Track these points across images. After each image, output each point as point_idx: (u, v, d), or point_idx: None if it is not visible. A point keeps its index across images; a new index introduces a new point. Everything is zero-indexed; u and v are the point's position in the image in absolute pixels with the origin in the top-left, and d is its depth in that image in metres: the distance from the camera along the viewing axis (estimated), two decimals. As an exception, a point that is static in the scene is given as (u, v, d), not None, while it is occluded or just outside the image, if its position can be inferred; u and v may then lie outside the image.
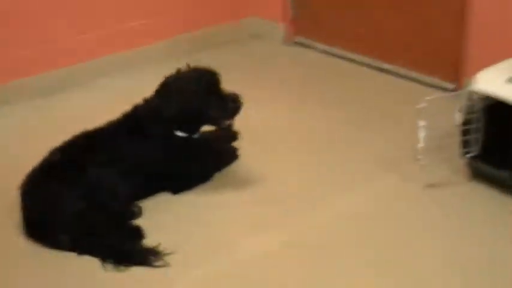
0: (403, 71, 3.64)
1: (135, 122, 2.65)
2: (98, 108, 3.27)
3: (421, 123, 2.69)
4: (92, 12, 3.69)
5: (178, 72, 2.67)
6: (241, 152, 3.00)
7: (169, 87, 2.63)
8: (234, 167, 2.95)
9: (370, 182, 2.81)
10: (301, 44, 4.19)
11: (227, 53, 4.03)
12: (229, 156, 2.96)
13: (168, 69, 2.72)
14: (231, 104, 2.64)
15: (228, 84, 2.75)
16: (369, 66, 3.80)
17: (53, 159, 2.54)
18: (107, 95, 3.53)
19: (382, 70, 3.73)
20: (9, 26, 3.43)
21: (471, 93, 2.69)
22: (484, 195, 2.71)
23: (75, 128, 2.65)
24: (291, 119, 3.33)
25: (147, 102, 2.68)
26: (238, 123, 2.85)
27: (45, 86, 3.55)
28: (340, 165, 2.92)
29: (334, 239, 2.47)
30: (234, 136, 3.08)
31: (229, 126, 2.80)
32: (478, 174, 2.80)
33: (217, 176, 2.87)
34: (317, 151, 3.04)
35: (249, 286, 2.27)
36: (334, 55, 3.97)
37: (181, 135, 2.69)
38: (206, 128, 2.79)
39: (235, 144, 3.05)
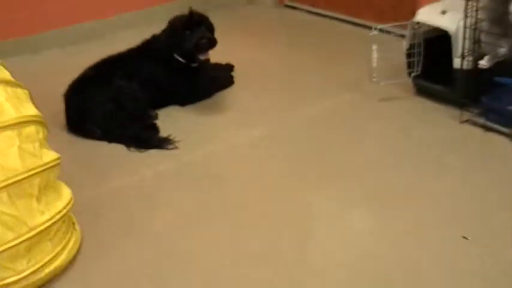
0: (369, 23, 4.30)
1: (147, 48, 3.35)
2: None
3: (374, 46, 3.36)
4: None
5: (179, 14, 3.35)
6: (236, 79, 3.70)
7: (167, 26, 3.33)
8: (230, 89, 3.64)
9: (332, 97, 3.48)
10: (290, 6, 4.86)
11: (225, 15, 4.69)
12: (226, 81, 3.65)
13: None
14: (203, 41, 3.27)
15: (226, 37, 3.46)
16: (341, 20, 4.48)
17: (87, 73, 3.25)
18: (122, 44, 4.24)
19: (352, 23, 4.41)
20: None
21: (413, 24, 3.37)
22: (425, 105, 3.38)
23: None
24: (274, 59, 4.01)
25: (156, 35, 3.38)
26: (236, 60, 3.66)
27: (75, 37, 4.23)
28: (309, 87, 3.60)
29: (298, 133, 3.15)
30: (231, 67, 3.78)
31: (206, 61, 3.36)
32: (420, 90, 3.48)
33: (217, 95, 3.57)
34: (292, 80, 3.72)
35: (237, 161, 2.96)
36: (315, 13, 4.65)
37: (182, 61, 3.36)
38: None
39: (232, 73, 3.75)
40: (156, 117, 3.27)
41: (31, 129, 2.26)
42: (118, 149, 3.05)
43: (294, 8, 4.82)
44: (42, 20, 4.13)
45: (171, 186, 2.76)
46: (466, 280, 2.14)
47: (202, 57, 3.30)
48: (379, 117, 3.29)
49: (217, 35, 3.42)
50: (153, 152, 3.02)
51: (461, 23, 3.09)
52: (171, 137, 3.08)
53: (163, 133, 3.13)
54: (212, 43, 3.29)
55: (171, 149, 3.02)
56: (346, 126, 3.20)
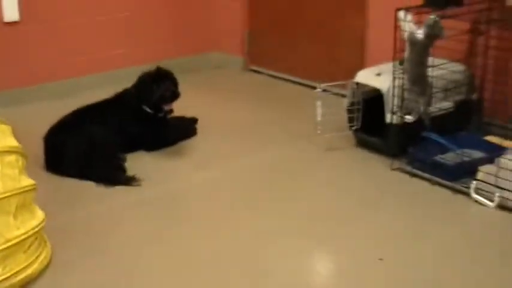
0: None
1: (118, 99, 3.78)
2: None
3: (318, 103, 3.81)
4: (85, 41, 4.80)
5: (147, 70, 3.80)
6: (199, 131, 4.11)
7: (136, 80, 3.78)
8: (192, 139, 4.06)
9: (283, 147, 3.91)
10: (255, 71, 5.33)
11: (195, 78, 5.10)
12: (189, 131, 4.06)
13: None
14: (167, 93, 3.73)
15: (194, 96, 4.13)
16: (297, 83, 4.94)
17: (65, 119, 3.66)
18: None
19: (307, 86, 4.85)
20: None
21: (353, 84, 3.83)
22: (364, 155, 3.80)
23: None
24: (236, 114, 4.43)
25: (127, 88, 3.82)
26: (201, 115, 4.12)
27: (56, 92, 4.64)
28: (264, 138, 4.03)
29: (250, 176, 3.56)
30: (195, 120, 4.20)
31: (170, 111, 3.80)
32: (360, 142, 3.91)
33: (180, 144, 3.98)
34: (250, 132, 4.13)
35: (193, 199, 3.38)
36: (276, 77, 5.12)
37: (149, 112, 3.79)
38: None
39: (195, 125, 4.17)
40: (124, 159, 3.65)
41: (12, 157, 2.65)
42: (88, 184, 3.43)
43: (258, 72, 5.27)
44: (27, 76, 4.55)
45: (132, 216, 3.15)
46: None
47: (166, 107, 3.74)
48: (323, 164, 3.71)
49: (186, 94, 3.88)
50: (119, 188, 3.40)
51: (391, 84, 3.54)
52: (135, 176, 3.46)
53: (130, 173, 3.51)
54: (175, 95, 3.73)
55: (135, 185, 3.40)
56: (294, 172, 3.63)
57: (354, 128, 3.84)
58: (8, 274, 2.54)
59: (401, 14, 3.43)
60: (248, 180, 3.53)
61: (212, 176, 3.57)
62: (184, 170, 3.64)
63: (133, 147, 3.79)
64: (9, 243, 2.54)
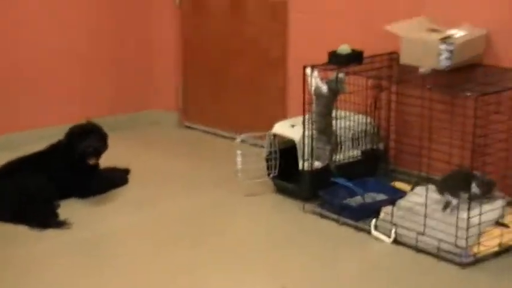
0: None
1: (52, 150, 4.04)
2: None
3: (238, 152, 4.10)
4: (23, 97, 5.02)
5: (78, 123, 4.09)
6: (131, 180, 4.37)
7: (67, 132, 4.05)
8: (124, 187, 4.32)
9: (205, 192, 4.20)
10: (189, 127, 5.62)
11: (131, 134, 5.35)
12: (120, 180, 4.32)
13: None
14: (89, 149, 3.99)
15: (129, 151, 4.48)
16: (224, 136, 5.21)
17: (1, 169, 3.91)
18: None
19: (231, 138, 5.12)
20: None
21: (270, 134, 4.15)
22: (280, 200, 4.08)
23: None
24: (166, 165, 4.70)
25: (60, 140, 4.08)
26: (134, 167, 4.42)
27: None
28: (187, 185, 4.32)
29: (173, 220, 3.85)
30: (127, 171, 4.47)
31: (94, 165, 4.06)
32: (278, 187, 4.20)
33: (112, 191, 4.24)
34: (177, 180, 4.40)
35: (119, 239, 3.66)
36: (208, 132, 5.41)
37: (78, 162, 4.03)
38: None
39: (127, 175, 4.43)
40: (57, 205, 3.89)
41: None
42: (23, 229, 3.67)
43: (191, 128, 5.56)
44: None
45: (60, 255, 3.44)
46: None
47: (89, 161, 4.01)
48: (242, 207, 4.01)
49: (121, 149, 4.32)
50: (51, 230, 3.65)
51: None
52: (66, 220, 3.70)
53: (62, 217, 3.76)
54: (98, 151, 4.01)
55: (65, 228, 3.65)
56: (215, 214, 3.95)
57: (271, 175, 4.13)
58: None
59: (308, 70, 3.78)
60: (172, 223, 3.81)
61: (137, 220, 3.84)
62: (112, 215, 3.91)
63: (66, 195, 4.01)
64: None
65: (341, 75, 3.75)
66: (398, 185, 4.01)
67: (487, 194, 3.41)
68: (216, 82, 5.34)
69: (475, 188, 3.36)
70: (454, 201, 3.38)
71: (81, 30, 5.22)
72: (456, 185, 3.44)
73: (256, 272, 3.25)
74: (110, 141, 4.19)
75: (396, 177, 4.13)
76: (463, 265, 3.22)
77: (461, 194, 3.39)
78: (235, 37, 5.10)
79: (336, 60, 3.77)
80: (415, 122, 3.86)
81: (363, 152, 4.13)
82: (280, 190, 4.15)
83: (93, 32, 5.28)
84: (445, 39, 3.54)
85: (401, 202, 3.59)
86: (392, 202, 3.67)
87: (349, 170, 4.01)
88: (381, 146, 4.22)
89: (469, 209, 3.22)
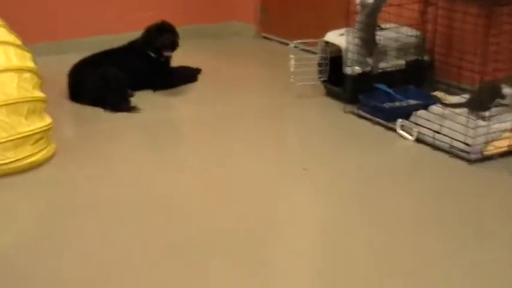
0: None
1: (130, 46, 4.53)
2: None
3: (291, 56, 4.47)
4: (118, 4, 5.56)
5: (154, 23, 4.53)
6: (200, 79, 4.83)
7: (144, 30, 4.51)
8: (193, 85, 4.79)
9: (261, 94, 4.61)
10: (266, 38, 6.01)
11: (213, 43, 5.76)
12: (191, 77, 4.78)
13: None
14: (166, 42, 4.44)
15: (207, 55, 4.98)
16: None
17: (85, 59, 4.44)
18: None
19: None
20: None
21: (322, 42, 4.48)
22: (327, 101, 4.44)
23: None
24: (235, 69, 5.11)
25: (137, 38, 4.58)
26: (207, 68, 4.84)
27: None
28: (248, 88, 4.74)
29: (227, 115, 4.28)
30: (198, 70, 4.93)
31: (169, 57, 4.51)
32: (327, 91, 4.56)
33: (182, 87, 4.72)
34: (242, 83, 4.83)
35: (180, 123, 4.19)
36: (281, 42, 5.77)
37: (154, 56, 4.53)
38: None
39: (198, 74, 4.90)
40: (132, 94, 4.41)
41: (27, 75, 3.44)
42: (99, 110, 4.22)
43: (268, 38, 5.94)
44: (69, 30, 5.34)
45: (127, 133, 4.00)
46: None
47: (166, 53, 4.46)
48: (291, 106, 4.40)
49: (199, 53, 4.95)
50: (122, 114, 4.18)
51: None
52: (136, 106, 4.22)
53: (133, 104, 4.28)
54: (174, 44, 4.45)
55: (135, 112, 4.16)
56: (268, 112, 4.35)
57: (321, 79, 4.47)
58: (17, 158, 3.32)
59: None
60: (228, 116, 4.23)
61: (198, 111, 4.30)
62: (177, 105, 4.41)
63: (141, 86, 4.51)
64: (20, 135, 3.32)
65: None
66: (439, 94, 4.25)
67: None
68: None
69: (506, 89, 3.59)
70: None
71: None
72: (486, 98, 3.69)
73: (284, 156, 3.68)
74: (190, 47, 4.75)
75: (439, 87, 4.36)
76: (470, 161, 3.49)
77: (491, 106, 3.63)
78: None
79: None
80: (459, 35, 4.06)
81: (407, 62, 4.37)
82: (329, 93, 4.48)
83: None
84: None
85: (433, 107, 3.86)
86: (424, 107, 3.94)
87: (392, 78, 4.28)
88: (426, 57, 4.43)
89: (477, 113, 3.47)
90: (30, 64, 3.47)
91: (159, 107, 4.31)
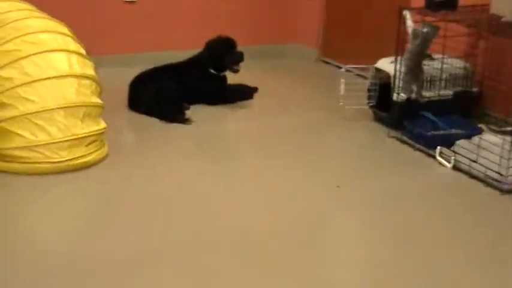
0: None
1: (191, 61, 4.76)
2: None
3: (342, 80, 4.60)
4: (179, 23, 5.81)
5: (214, 39, 4.76)
6: (256, 97, 5.00)
7: (206, 45, 4.74)
8: (249, 102, 4.97)
9: (310, 112, 4.76)
10: (325, 62, 6.16)
11: (275, 63, 5.96)
12: (247, 95, 4.95)
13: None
14: (235, 56, 4.67)
15: (267, 75, 5.25)
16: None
17: (147, 72, 4.69)
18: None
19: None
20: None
21: (373, 68, 4.61)
22: (374, 127, 4.52)
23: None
24: (290, 90, 5.29)
25: (197, 54, 4.80)
26: (264, 88, 4.95)
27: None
28: (300, 108, 4.89)
29: (285, 129, 4.47)
30: (255, 89, 5.11)
31: (237, 70, 4.72)
32: (375, 116, 4.67)
33: (238, 103, 4.91)
34: (293, 103, 4.99)
35: (241, 138, 4.40)
36: (339, 67, 5.90)
37: (213, 72, 4.75)
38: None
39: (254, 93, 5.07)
40: (187, 107, 4.62)
41: (87, 81, 3.69)
42: (155, 120, 4.46)
43: (327, 63, 6.09)
44: (134, 45, 5.62)
45: (178, 143, 4.20)
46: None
47: (235, 67, 4.71)
48: (338, 128, 4.53)
49: (259, 73, 5.16)
50: (176, 124, 4.41)
51: (397, 69, 4.28)
52: (190, 118, 4.43)
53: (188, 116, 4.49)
54: (242, 58, 4.70)
55: (187, 124, 4.37)
56: (315, 131, 4.50)
57: (370, 104, 4.59)
58: (72, 157, 3.56)
59: (404, 12, 4.17)
60: (276, 133, 4.41)
61: (247, 127, 4.49)
62: (229, 120, 4.60)
63: (199, 100, 4.72)
64: (75, 137, 3.56)
65: (430, 20, 4.09)
66: (485, 126, 4.30)
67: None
68: (350, 25, 5.80)
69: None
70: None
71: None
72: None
73: (322, 172, 3.81)
74: (252, 67, 5.00)
75: (487, 120, 4.41)
76: (503, 191, 3.54)
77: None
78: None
79: (430, 5, 4.12)
80: (509, 69, 4.12)
81: (455, 93, 4.44)
82: (377, 119, 4.59)
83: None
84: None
85: (475, 138, 3.93)
86: (467, 137, 4.00)
87: (440, 107, 4.36)
88: (475, 89, 4.49)
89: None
90: (90, 72, 3.72)
91: (212, 121, 4.51)
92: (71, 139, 3.53)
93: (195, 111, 4.59)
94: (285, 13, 6.23)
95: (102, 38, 5.39)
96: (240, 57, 4.69)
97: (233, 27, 5.81)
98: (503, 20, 3.92)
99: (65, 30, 3.77)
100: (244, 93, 4.92)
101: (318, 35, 6.14)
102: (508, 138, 3.67)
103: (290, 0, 6.21)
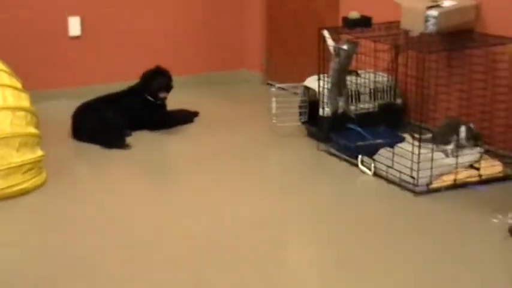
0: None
1: (129, 90, 4.95)
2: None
3: (273, 98, 4.80)
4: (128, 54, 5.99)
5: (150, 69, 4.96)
6: (196, 121, 5.19)
7: (141, 76, 4.93)
8: (188, 125, 5.16)
9: (247, 132, 4.94)
10: (270, 84, 6.35)
11: (220, 89, 6.10)
12: (186, 119, 5.15)
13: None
14: (161, 83, 4.86)
15: (212, 104, 5.34)
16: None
17: (87, 102, 4.87)
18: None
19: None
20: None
21: (301, 87, 4.81)
22: (306, 142, 4.71)
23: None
24: (233, 115, 5.45)
25: (135, 83, 4.99)
26: (206, 112, 5.20)
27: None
28: (239, 128, 5.08)
29: (219, 149, 4.64)
30: (195, 113, 5.30)
31: (164, 98, 4.91)
32: (307, 131, 4.86)
33: (177, 127, 5.09)
34: (234, 124, 5.17)
35: (182, 162, 4.63)
36: (283, 88, 6.11)
37: (150, 99, 4.95)
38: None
39: (194, 117, 5.26)
40: (129, 134, 4.80)
41: (21, 113, 3.85)
42: (96, 147, 4.62)
43: (271, 85, 6.28)
44: (80, 78, 5.79)
45: (116, 167, 4.37)
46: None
47: (161, 95, 4.86)
48: (270, 144, 4.72)
49: (202, 98, 5.41)
50: (116, 150, 4.58)
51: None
52: (129, 144, 4.60)
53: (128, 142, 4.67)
54: (168, 87, 4.87)
55: (127, 149, 4.54)
56: (250, 149, 4.69)
57: (302, 120, 4.78)
58: (8, 185, 3.72)
59: (323, 32, 4.39)
60: (215, 153, 4.58)
61: (186, 149, 4.66)
62: (168, 143, 4.78)
63: (139, 127, 4.89)
64: (10, 165, 3.72)
65: (349, 38, 4.30)
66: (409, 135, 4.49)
67: (471, 141, 3.94)
68: (289, 47, 6.04)
69: (463, 133, 3.90)
70: (449, 148, 3.94)
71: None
72: (447, 132, 3.96)
73: (257, 187, 4.02)
74: (197, 93, 5.48)
75: (412, 129, 4.59)
76: (416, 193, 3.73)
77: (451, 140, 3.89)
78: (303, 13, 5.79)
79: (346, 24, 4.34)
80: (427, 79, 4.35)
81: (380, 105, 4.64)
82: (309, 134, 4.78)
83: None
84: (431, 7, 4.01)
85: (396, 146, 4.12)
86: (390, 146, 4.19)
87: (366, 119, 4.56)
88: (399, 100, 4.70)
89: (419, 147, 3.73)
90: (25, 104, 3.89)
91: (151, 145, 4.67)
92: (6, 168, 3.68)
93: (137, 137, 4.75)
94: (231, 40, 6.42)
95: (48, 73, 5.56)
96: (164, 84, 4.87)
97: (180, 56, 6.05)
98: (410, 35, 4.13)
99: (1, 66, 3.93)
100: (184, 117, 5.10)
101: (261, 59, 6.33)
102: (416, 144, 3.86)
103: (234, 28, 6.40)
